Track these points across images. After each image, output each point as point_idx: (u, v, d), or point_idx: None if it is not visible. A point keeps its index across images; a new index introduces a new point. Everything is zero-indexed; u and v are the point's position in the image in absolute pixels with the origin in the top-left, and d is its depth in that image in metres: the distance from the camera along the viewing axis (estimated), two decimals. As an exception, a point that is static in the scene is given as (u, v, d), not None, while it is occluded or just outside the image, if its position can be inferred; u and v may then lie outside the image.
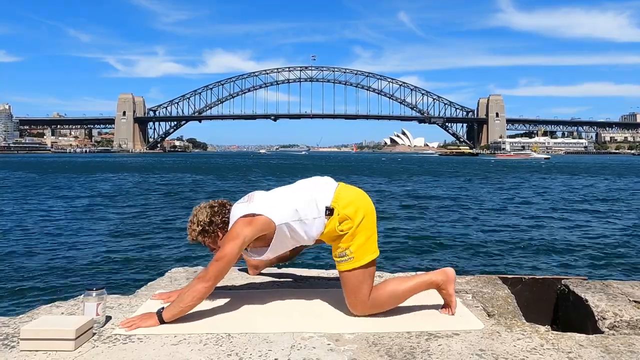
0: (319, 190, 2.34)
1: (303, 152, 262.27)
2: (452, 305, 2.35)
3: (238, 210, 2.30)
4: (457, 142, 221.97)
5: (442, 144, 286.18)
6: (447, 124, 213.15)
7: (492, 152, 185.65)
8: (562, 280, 2.86)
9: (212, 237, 2.35)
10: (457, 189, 28.76)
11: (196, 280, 2.19)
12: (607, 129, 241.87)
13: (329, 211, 2.26)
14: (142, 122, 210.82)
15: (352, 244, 2.26)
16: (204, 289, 2.15)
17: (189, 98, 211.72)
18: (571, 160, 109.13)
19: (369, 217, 2.32)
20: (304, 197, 2.30)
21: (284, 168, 62.42)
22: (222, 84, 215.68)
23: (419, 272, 2.64)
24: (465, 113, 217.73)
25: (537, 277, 2.99)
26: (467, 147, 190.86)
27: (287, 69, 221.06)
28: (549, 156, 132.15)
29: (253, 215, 2.23)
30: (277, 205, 2.27)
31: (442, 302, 2.41)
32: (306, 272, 3.09)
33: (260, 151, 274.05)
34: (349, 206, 2.28)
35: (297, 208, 2.27)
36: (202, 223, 2.34)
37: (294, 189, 2.39)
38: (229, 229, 2.28)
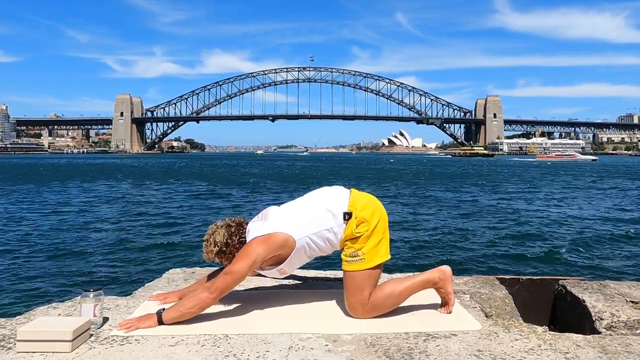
0: (332, 198, 2.35)
1: (305, 153, 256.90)
2: (450, 303, 2.37)
3: (254, 229, 2.29)
4: (456, 142, 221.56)
5: (440, 145, 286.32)
6: (445, 124, 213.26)
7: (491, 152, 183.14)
8: (560, 281, 2.86)
9: (229, 258, 2.32)
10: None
11: (202, 288, 2.21)
12: (605, 129, 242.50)
13: (348, 216, 2.28)
14: (140, 123, 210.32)
15: (365, 245, 2.28)
16: (208, 299, 2.16)
17: (186, 99, 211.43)
18: (621, 162, 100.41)
19: (383, 221, 2.35)
20: (319, 208, 2.31)
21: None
22: (220, 85, 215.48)
23: (416, 273, 2.64)
24: (463, 114, 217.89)
25: (535, 277, 3.00)
26: (482, 148, 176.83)
27: (285, 70, 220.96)
28: (596, 157, 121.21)
29: (269, 234, 2.23)
30: (294, 220, 2.28)
31: (439, 303, 2.42)
32: (304, 273, 3.08)
33: (257, 152, 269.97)
34: (365, 209, 2.31)
35: (314, 220, 2.28)
36: (219, 244, 2.31)
37: (307, 202, 2.39)
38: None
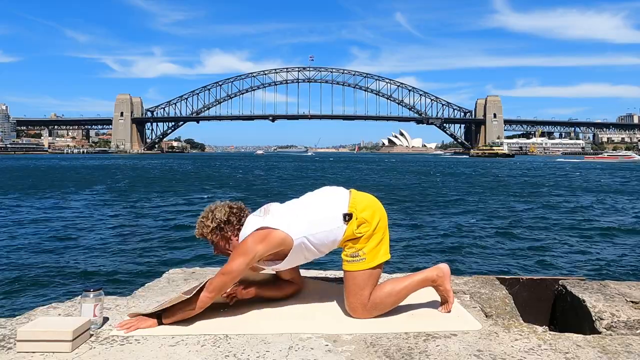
0: (332, 199, 2.35)
1: (308, 153, 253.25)
2: (449, 301, 2.37)
3: (252, 222, 2.28)
4: (456, 142, 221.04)
5: (440, 145, 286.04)
6: (445, 124, 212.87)
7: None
8: (560, 281, 2.86)
9: (223, 236, 2.33)
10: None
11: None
12: (604, 129, 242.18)
13: (348, 217, 2.28)
14: (140, 123, 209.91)
15: (366, 245, 2.29)
16: (206, 298, 2.17)
17: (186, 99, 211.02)
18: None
19: (383, 221, 2.36)
20: (320, 209, 2.32)
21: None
22: (220, 85, 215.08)
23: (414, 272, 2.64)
24: (463, 114, 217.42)
25: (535, 277, 2.99)
26: (501, 148, 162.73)
27: (285, 70, 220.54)
28: None
29: (269, 229, 2.22)
30: (294, 220, 2.27)
31: (439, 302, 2.42)
32: (304, 273, 3.08)
33: (257, 152, 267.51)
34: (366, 210, 2.31)
35: (313, 221, 2.28)
36: (217, 220, 2.32)
37: (308, 202, 2.39)
38: (240, 238, 2.28)
